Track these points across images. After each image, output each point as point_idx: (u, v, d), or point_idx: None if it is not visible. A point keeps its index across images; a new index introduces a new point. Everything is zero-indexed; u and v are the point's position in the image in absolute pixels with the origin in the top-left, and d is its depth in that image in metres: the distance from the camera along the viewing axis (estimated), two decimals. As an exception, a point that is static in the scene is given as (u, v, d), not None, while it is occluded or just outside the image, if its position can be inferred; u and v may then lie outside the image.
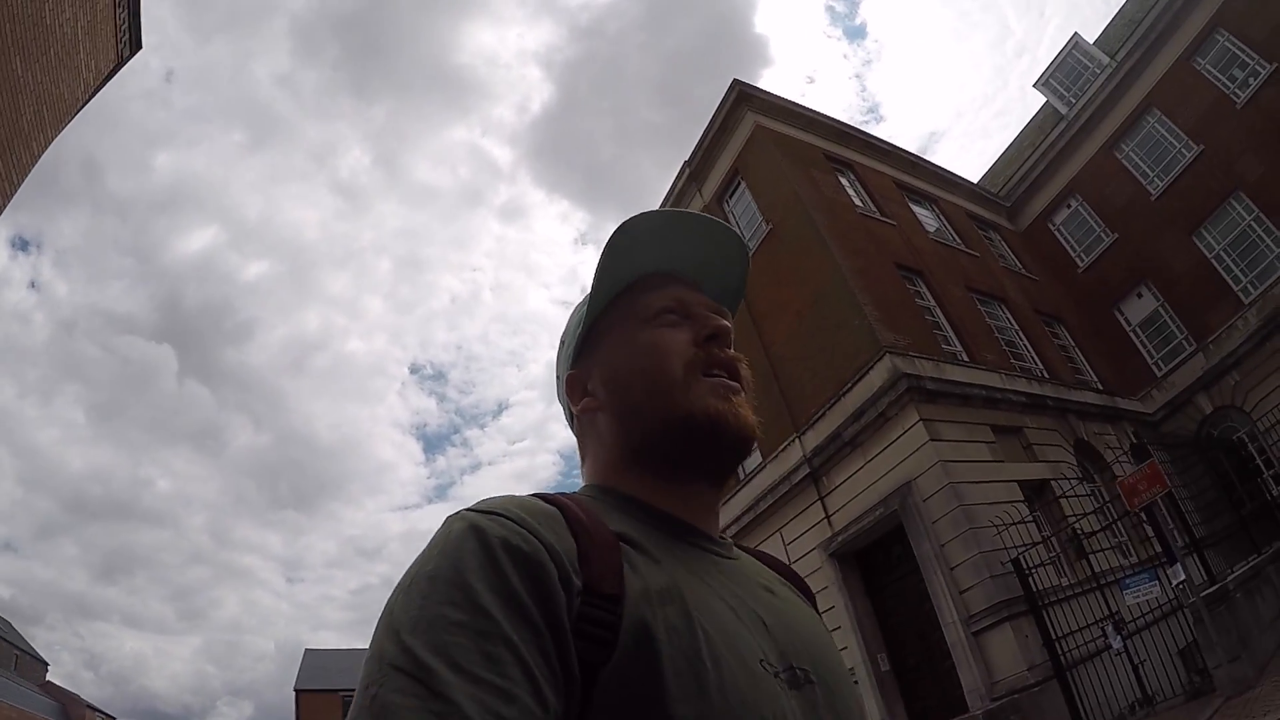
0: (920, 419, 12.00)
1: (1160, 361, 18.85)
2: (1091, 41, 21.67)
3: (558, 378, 1.03)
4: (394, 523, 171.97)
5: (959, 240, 18.56)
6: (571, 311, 1.03)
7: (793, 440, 14.37)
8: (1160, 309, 18.99)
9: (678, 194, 18.85)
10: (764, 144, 16.29)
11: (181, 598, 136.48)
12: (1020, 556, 10.69)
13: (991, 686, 10.59)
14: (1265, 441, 15.71)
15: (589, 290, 0.94)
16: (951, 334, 15.07)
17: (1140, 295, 19.42)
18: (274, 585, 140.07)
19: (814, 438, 13.60)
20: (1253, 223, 17.32)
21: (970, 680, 10.89)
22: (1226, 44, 17.96)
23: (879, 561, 13.13)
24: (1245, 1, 17.43)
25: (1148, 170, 19.34)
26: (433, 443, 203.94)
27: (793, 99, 17.73)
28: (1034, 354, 16.94)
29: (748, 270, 1.01)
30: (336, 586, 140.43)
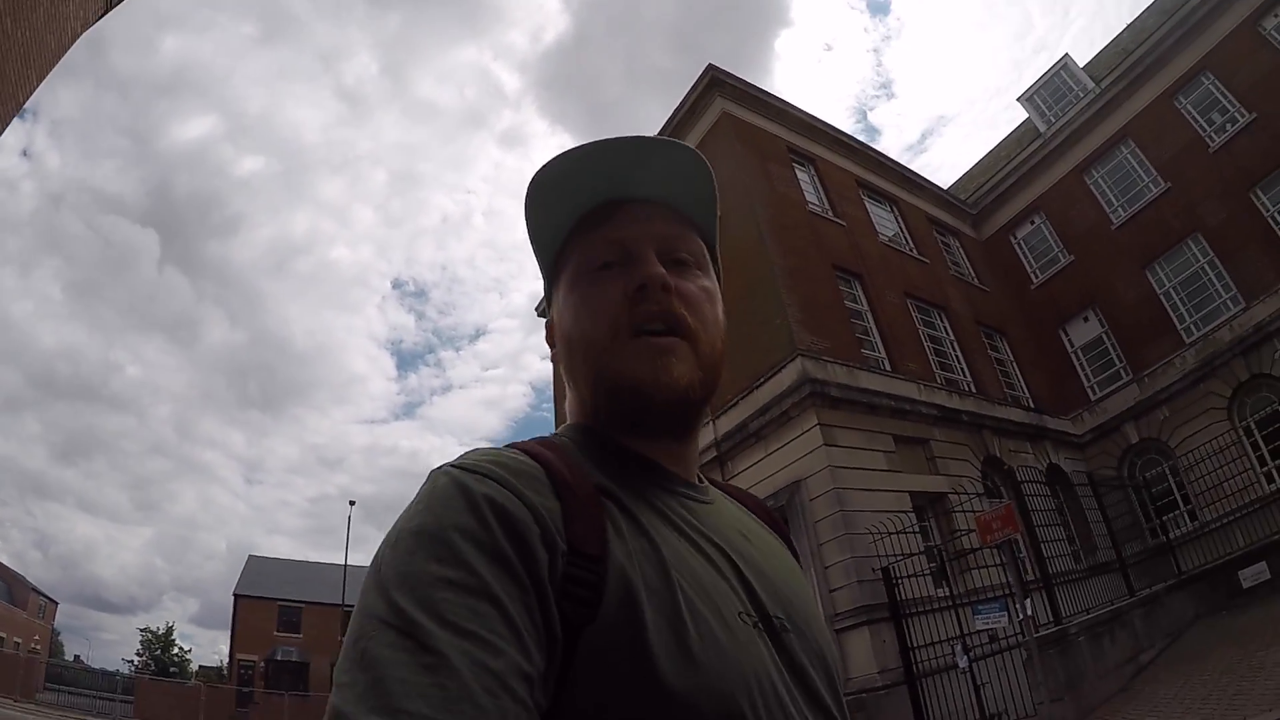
0: (818, 423, 11.82)
1: (1096, 386, 18.50)
2: (1083, 64, 20.85)
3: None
4: (359, 435, 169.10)
5: (911, 245, 18.06)
6: None
7: (708, 421, 14.10)
8: (1104, 335, 18.58)
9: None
10: (726, 132, 15.70)
11: (139, 487, 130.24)
12: (891, 566, 10.59)
13: (845, 683, 10.52)
14: (1185, 479, 15.57)
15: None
16: (878, 340, 14.73)
17: (1086, 319, 18.98)
18: (232, 484, 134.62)
19: (726, 423, 13.42)
20: (1206, 265, 16.84)
21: (827, 674, 10.85)
22: (1211, 87, 17.24)
23: (772, 549, 13.02)
24: (1237, 48, 16.73)
25: (1113, 199, 18.80)
26: (406, 360, 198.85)
27: (766, 88, 17.24)
28: (964, 366, 16.59)
29: (707, 171, 0.87)
30: (294, 493, 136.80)
